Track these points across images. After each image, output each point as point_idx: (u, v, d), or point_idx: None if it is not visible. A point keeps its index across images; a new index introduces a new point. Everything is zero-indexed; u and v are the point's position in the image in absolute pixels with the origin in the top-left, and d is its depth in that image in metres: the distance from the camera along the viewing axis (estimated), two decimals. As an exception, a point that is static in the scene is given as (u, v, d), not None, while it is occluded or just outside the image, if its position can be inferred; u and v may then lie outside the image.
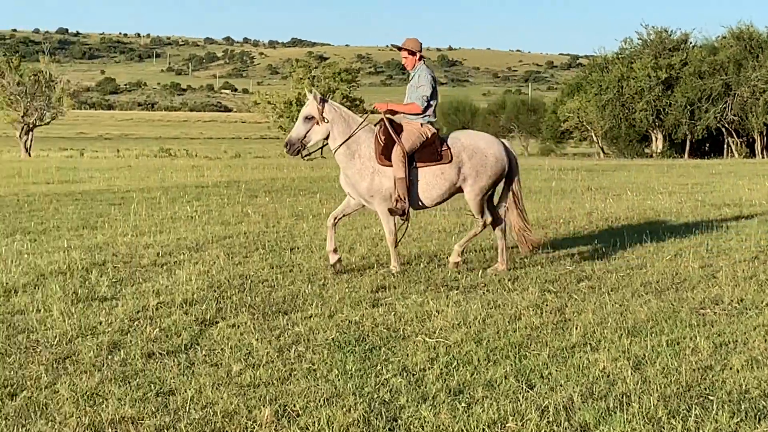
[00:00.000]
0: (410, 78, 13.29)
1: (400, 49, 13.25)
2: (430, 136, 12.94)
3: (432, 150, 12.91)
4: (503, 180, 13.47)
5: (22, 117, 70.09)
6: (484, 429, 6.76)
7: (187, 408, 7.08)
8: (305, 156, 13.08)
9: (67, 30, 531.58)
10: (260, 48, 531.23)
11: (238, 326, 9.67)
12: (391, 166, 12.71)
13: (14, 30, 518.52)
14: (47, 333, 9.32)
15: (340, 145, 12.82)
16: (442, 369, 8.21)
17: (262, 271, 12.85)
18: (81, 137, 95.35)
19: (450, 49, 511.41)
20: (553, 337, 9.32)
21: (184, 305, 10.61)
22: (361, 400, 7.30)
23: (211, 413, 6.97)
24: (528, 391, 7.57)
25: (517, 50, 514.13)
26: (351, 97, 74.83)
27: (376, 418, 6.90)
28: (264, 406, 7.09)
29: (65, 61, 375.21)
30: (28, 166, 41.52)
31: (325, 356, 8.58)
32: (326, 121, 12.81)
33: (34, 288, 11.59)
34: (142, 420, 6.84)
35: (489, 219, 13.48)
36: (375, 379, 7.85)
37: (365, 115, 13.34)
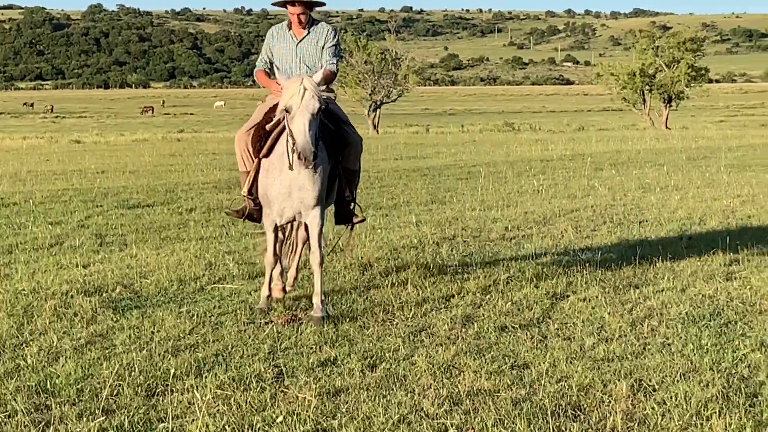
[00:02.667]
0: (295, 37, 10.00)
1: (290, 3, 9.90)
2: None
3: None
4: None
5: (370, 95, 72.08)
6: None
7: (543, 381, 7.14)
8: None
9: (411, 8, 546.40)
10: (602, 19, 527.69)
11: (589, 300, 9.66)
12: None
13: (361, 10, 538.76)
14: (402, 306, 9.59)
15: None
16: (804, 345, 7.94)
17: (611, 245, 12.75)
18: (426, 113, 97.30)
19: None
20: None
21: (535, 279, 10.67)
22: (719, 375, 7.15)
23: (566, 387, 7.00)
24: None
25: None
26: (696, 67, 72.69)
27: (736, 394, 6.74)
28: (619, 380, 7.06)
29: (410, 39, 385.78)
30: (377, 143, 42.76)
31: (679, 330, 8.45)
32: None
33: (388, 262, 11.93)
34: (498, 392, 6.93)
35: None
36: (732, 355, 7.67)
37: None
